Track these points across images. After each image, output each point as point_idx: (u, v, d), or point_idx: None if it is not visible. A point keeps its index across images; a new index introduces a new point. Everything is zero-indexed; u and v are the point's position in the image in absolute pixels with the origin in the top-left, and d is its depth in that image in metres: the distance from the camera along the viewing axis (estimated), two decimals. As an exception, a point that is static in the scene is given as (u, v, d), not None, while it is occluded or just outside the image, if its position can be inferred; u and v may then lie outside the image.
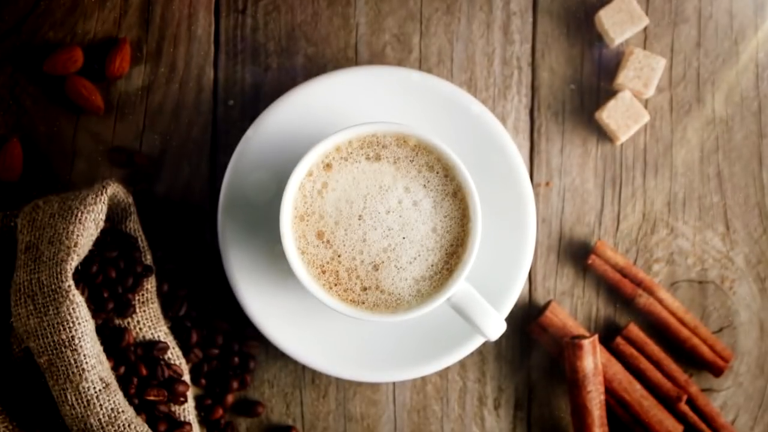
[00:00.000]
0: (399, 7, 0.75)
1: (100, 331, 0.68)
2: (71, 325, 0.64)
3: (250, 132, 0.70)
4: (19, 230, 0.68)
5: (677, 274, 0.75)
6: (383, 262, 0.65)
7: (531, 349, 0.75)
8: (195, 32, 0.75)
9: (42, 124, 0.74)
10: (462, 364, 0.75)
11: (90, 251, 0.69)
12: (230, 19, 0.75)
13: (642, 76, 0.73)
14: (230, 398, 0.73)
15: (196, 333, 0.72)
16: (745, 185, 0.75)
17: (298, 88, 0.70)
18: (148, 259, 0.71)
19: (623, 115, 0.74)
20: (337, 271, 0.66)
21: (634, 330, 0.74)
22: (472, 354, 0.75)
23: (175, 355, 0.71)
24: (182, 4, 0.75)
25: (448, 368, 0.75)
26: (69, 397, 0.64)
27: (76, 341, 0.64)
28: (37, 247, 0.66)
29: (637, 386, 0.73)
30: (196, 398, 0.73)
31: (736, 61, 0.76)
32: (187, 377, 0.71)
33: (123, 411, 0.65)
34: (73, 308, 0.64)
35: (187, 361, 0.72)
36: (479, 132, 0.70)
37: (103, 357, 0.66)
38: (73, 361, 0.64)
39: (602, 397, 0.72)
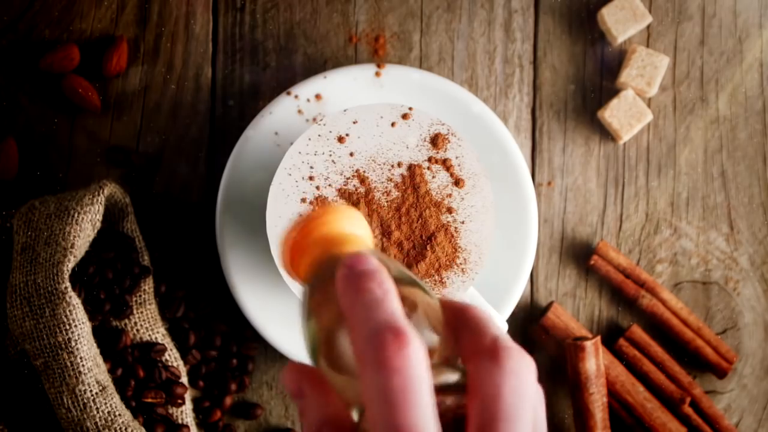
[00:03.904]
0: (399, 4, 0.75)
1: (96, 333, 0.68)
2: (67, 327, 0.64)
3: (249, 131, 0.70)
4: (15, 231, 0.67)
5: (681, 274, 0.75)
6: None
7: (533, 350, 0.75)
8: (193, 30, 0.74)
9: (38, 123, 0.74)
10: (463, 365, 0.74)
11: (87, 252, 0.68)
12: (228, 17, 0.75)
13: (645, 75, 0.73)
14: (228, 400, 0.73)
15: (194, 334, 0.72)
16: (750, 185, 0.75)
17: (297, 86, 0.70)
18: (146, 259, 0.71)
19: (626, 114, 0.73)
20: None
21: (637, 331, 0.74)
22: (473, 356, 0.74)
23: (172, 356, 0.70)
24: (180, 1, 0.74)
25: (449, 370, 0.74)
26: (65, 400, 0.64)
27: (73, 344, 0.63)
28: (33, 249, 0.66)
29: (640, 388, 0.73)
30: (194, 400, 0.73)
31: (741, 60, 0.75)
32: (185, 379, 0.71)
33: (120, 414, 0.65)
34: (69, 310, 0.64)
35: (185, 363, 0.72)
36: (480, 131, 0.70)
37: (99, 359, 0.66)
38: (69, 364, 0.63)
39: (605, 399, 0.71)
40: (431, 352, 0.38)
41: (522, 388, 0.37)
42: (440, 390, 0.37)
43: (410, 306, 0.39)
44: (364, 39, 0.75)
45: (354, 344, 0.37)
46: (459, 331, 0.39)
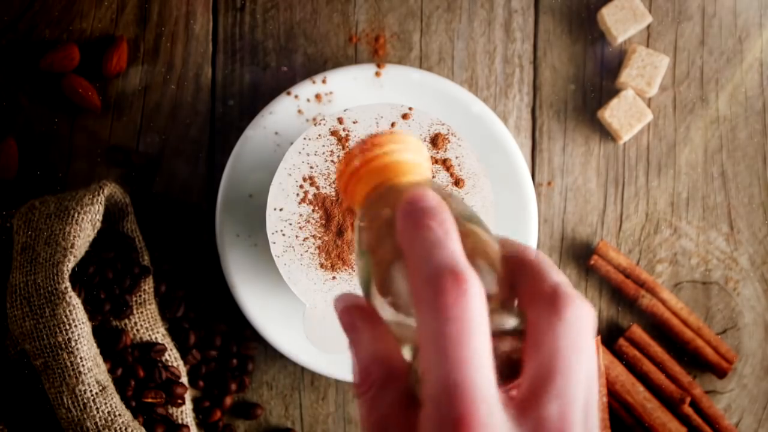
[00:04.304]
0: (399, 4, 0.75)
1: (97, 332, 0.68)
2: (67, 327, 0.64)
3: (249, 131, 0.70)
4: (15, 231, 0.67)
5: (681, 274, 0.75)
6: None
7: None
8: (193, 30, 0.74)
9: (38, 123, 0.74)
10: (463, 365, 0.74)
11: (87, 252, 0.68)
12: (228, 17, 0.75)
13: (645, 75, 0.73)
14: (228, 400, 0.73)
15: (194, 334, 0.72)
16: (750, 185, 0.75)
17: (297, 86, 0.70)
18: (146, 259, 0.71)
19: (626, 114, 0.73)
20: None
21: (637, 331, 0.74)
22: (473, 356, 0.74)
23: (172, 356, 0.70)
24: (180, 1, 0.74)
25: (448, 370, 0.74)
26: (65, 400, 0.64)
27: (73, 344, 0.63)
28: (33, 248, 0.66)
29: (640, 388, 0.73)
30: (194, 400, 0.73)
31: (741, 60, 0.75)
32: (185, 379, 0.71)
33: (120, 414, 0.65)
34: (69, 310, 0.64)
35: (185, 363, 0.71)
36: (480, 131, 0.70)
37: (99, 359, 0.66)
38: (69, 364, 0.63)
39: (605, 399, 0.71)
40: (489, 294, 0.37)
41: (580, 342, 0.36)
42: (497, 334, 0.37)
43: (470, 245, 0.38)
44: (364, 39, 0.75)
45: (411, 283, 0.36)
46: (519, 273, 0.39)
